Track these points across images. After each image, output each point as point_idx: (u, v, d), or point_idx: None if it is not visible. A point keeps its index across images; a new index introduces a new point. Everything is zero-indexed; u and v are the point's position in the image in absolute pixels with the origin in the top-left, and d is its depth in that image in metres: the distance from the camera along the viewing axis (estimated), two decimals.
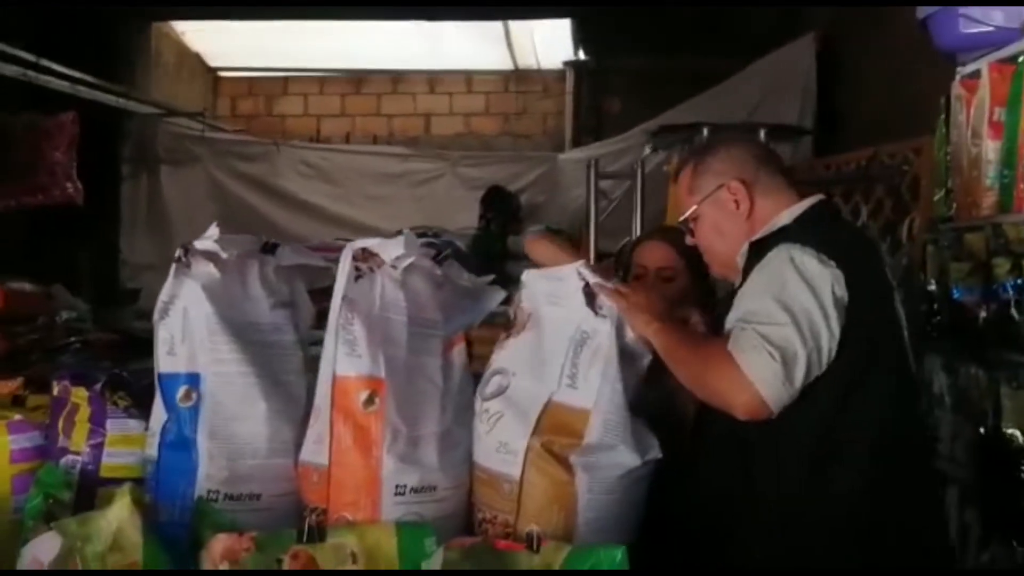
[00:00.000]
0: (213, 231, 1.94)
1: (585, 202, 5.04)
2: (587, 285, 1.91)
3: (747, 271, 1.87)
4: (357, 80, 7.46)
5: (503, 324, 2.09)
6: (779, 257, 1.77)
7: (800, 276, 1.73)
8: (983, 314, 2.77)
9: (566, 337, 1.92)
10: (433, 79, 7.39)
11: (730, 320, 1.81)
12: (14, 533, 1.78)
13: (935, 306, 3.00)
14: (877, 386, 1.80)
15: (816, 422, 1.77)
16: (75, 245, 5.94)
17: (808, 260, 1.75)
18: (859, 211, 3.81)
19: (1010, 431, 2.64)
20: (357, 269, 1.92)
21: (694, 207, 1.97)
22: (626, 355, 1.89)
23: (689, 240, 2.04)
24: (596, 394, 1.84)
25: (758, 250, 1.86)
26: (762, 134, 4.12)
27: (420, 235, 5.24)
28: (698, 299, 2.35)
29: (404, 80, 7.42)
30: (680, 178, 2.04)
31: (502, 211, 5.95)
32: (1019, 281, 2.66)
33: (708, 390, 1.78)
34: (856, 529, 1.77)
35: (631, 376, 1.89)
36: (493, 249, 5.81)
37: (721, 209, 1.94)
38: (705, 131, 4.16)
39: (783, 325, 1.70)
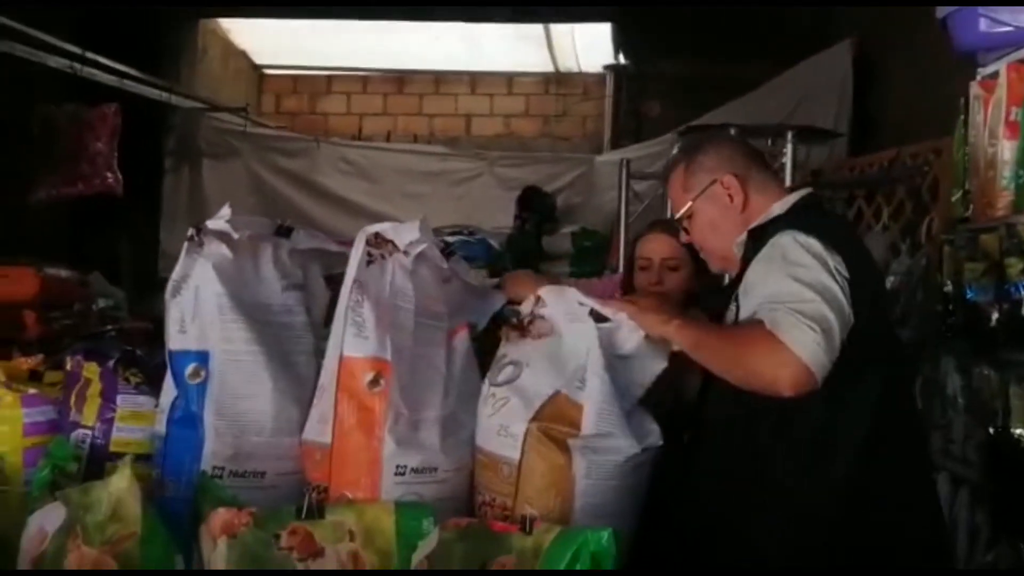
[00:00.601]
0: (225, 211, 1.96)
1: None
2: (592, 310, 1.93)
3: (746, 259, 1.89)
4: (399, 80, 7.51)
5: (514, 325, 2.09)
6: (784, 240, 1.79)
7: (811, 255, 1.76)
8: (995, 314, 2.74)
9: (583, 347, 1.92)
10: (474, 80, 7.42)
11: (750, 306, 1.81)
12: (26, 504, 1.81)
13: (950, 306, 2.97)
14: (874, 368, 1.81)
15: (816, 409, 1.77)
16: (115, 235, 6.05)
17: (813, 242, 1.77)
18: (881, 212, 3.77)
19: (1019, 432, 2.60)
20: (369, 254, 1.95)
21: (689, 204, 1.99)
22: (628, 359, 1.90)
23: (684, 238, 2.07)
24: (588, 387, 1.85)
25: (757, 238, 1.89)
26: (789, 136, 4.09)
27: (455, 234, 5.32)
28: (700, 290, 2.36)
29: (446, 81, 7.46)
30: (672, 178, 2.05)
31: (538, 211, 5.95)
32: None
33: (749, 370, 1.75)
34: (851, 516, 1.77)
35: (637, 379, 1.89)
36: (528, 249, 5.82)
37: (716, 204, 1.97)
38: (733, 131, 4.12)
39: (812, 301, 1.71)
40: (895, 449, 1.83)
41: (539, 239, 5.85)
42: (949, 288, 3.02)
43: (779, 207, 1.92)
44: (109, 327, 4.67)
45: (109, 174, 5.09)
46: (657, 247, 2.40)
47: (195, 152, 6.48)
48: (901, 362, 1.96)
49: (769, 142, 4.41)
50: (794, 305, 1.71)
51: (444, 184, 6.39)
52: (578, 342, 1.92)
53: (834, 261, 1.76)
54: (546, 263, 5.83)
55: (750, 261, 1.85)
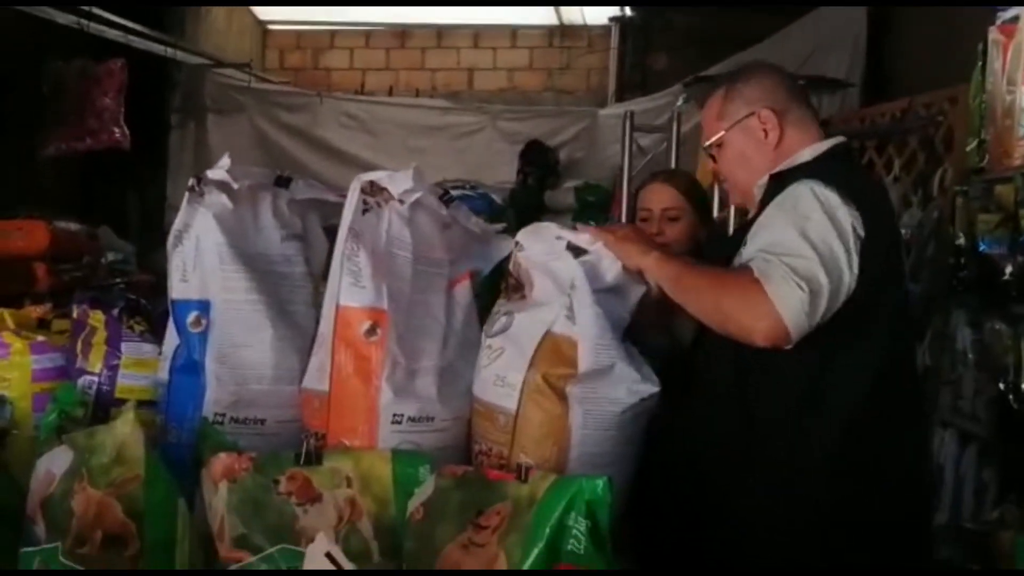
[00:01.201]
0: (225, 161, 1.99)
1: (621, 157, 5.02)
2: (568, 244, 1.92)
3: (763, 203, 1.85)
4: (402, 34, 7.46)
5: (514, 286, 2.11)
6: (801, 190, 1.75)
7: (823, 211, 1.72)
8: (1009, 267, 2.72)
9: (567, 281, 1.93)
10: (477, 33, 7.36)
11: (748, 251, 1.79)
12: (35, 447, 1.86)
13: (962, 260, 2.95)
14: (876, 332, 1.78)
15: (814, 363, 1.77)
16: (124, 190, 6.09)
17: (830, 195, 1.73)
18: (892, 164, 3.74)
19: None
20: (365, 202, 1.95)
21: (722, 132, 1.94)
22: (613, 289, 1.90)
23: (711, 166, 2.03)
24: (580, 321, 1.86)
25: (778, 183, 1.85)
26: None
27: (456, 188, 5.32)
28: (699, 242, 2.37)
29: (448, 34, 7.41)
30: (709, 103, 1.99)
31: (541, 166, 5.95)
32: None
33: (724, 315, 1.75)
34: (838, 479, 1.77)
35: (621, 309, 1.90)
36: (531, 204, 5.82)
37: (749, 137, 1.91)
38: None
39: (808, 259, 1.69)
40: (890, 415, 1.82)
41: (542, 193, 5.86)
42: (962, 241, 2.99)
43: (809, 152, 1.87)
44: (118, 280, 4.72)
45: (116, 129, 5.12)
46: (657, 197, 2.41)
47: (200, 108, 6.49)
48: (907, 327, 1.91)
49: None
50: (789, 259, 1.69)
51: (446, 138, 6.38)
52: (562, 277, 1.92)
53: (850, 217, 1.72)
54: (549, 217, 5.82)
55: (767, 201, 1.83)
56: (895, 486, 1.76)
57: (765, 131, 1.89)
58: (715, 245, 2.15)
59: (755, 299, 1.68)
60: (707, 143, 1.99)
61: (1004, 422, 2.72)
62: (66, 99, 5.15)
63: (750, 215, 1.96)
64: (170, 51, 5.88)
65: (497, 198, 5.50)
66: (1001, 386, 2.71)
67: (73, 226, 4.54)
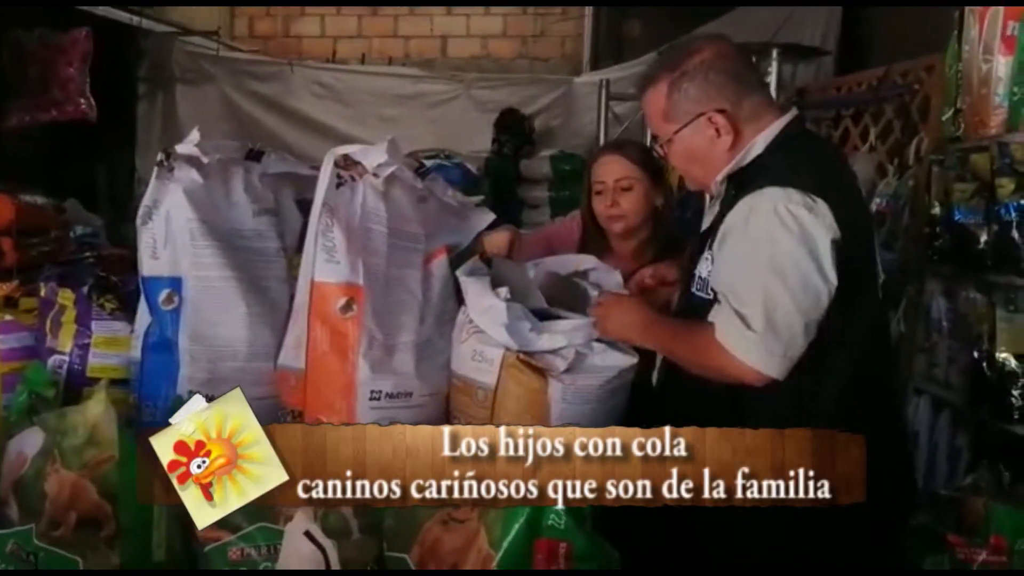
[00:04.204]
0: (195, 135, 1.94)
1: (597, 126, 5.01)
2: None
3: (724, 205, 1.80)
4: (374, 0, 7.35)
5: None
6: (765, 210, 1.68)
7: (791, 234, 1.66)
8: (984, 236, 2.73)
9: None
10: None
11: (719, 280, 1.75)
12: (5, 428, 1.83)
13: (937, 229, 2.96)
14: (856, 318, 1.76)
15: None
16: (91, 162, 5.97)
17: (797, 209, 1.66)
18: (868, 133, 3.74)
19: (1003, 355, 2.62)
20: (339, 176, 1.93)
21: (670, 134, 1.83)
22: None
23: (660, 153, 1.93)
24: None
25: (736, 183, 1.79)
26: (775, 55, 4.03)
27: (431, 158, 5.27)
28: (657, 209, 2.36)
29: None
30: (650, 96, 1.84)
31: (516, 135, 5.89)
32: (1021, 202, 2.61)
33: (712, 375, 1.75)
34: None
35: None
36: (506, 173, 5.78)
37: (700, 136, 1.80)
38: None
39: (779, 300, 1.66)
40: (872, 393, 1.81)
41: (517, 163, 5.81)
42: (937, 210, 2.99)
43: (762, 140, 1.79)
44: (87, 254, 4.64)
45: (82, 100, 5.01)
46: (608, 169, 2.38)
47: (168, 77, 6.37)
48: (883, 306, 1.91)
49: (753, 60, 4.35)
50: (761, 312, 1.66)
51: (420, 107, 6.31)
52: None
53: (820, 221, 1.67)
54: (524, 187, 5.80)
55: (729, 204, 1.77)
56: (879, 473, 1.75)
57: (718, 131, 1.79)
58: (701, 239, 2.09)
59: (726, 362, 1.69)
60: (655, 143, 1.91)
61: (977, 390, 2.75)
62: (28, 69, 5.03)
63: (707, 218, 1.90)
64: (136, 19, 5.76)
65: (472, 168, 5.46)
66: (975, 354, 2.73)
67: (39, 199, 4.43)
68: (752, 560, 1.82)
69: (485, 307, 1.89)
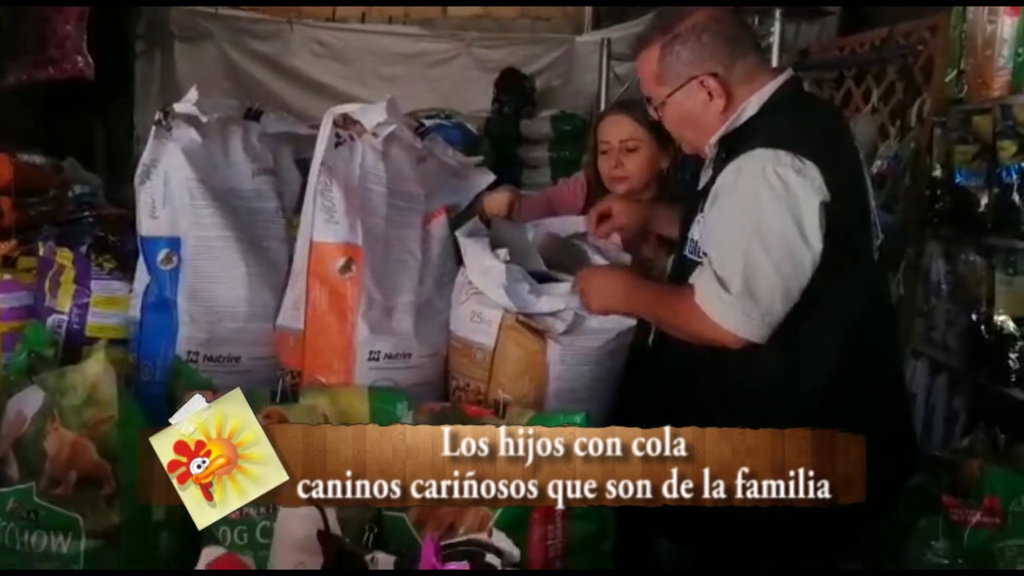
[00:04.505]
0: (193, 94, 1.93)
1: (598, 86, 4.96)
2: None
3: (717, 166, 1.79)
4: None
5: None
6: (753, 170, 1.67)
7: (776, 197, 1.65)
8: (984, 199, 2.72)
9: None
10: None
11: (706, 242, 1.75)
12: (5, 388, 1.83)
13: (938, 191, 2.95)
14: (848, 281, 1.75)
15: (786, 321, 1.71)
16: (89, 121, 5.94)
17: (784, 172, 1.65)
18: (871, 94, 3.71)
19: (1001, 318, 2.62)
20: (337, 136, 1.92)
21: (663, 97, 1.81)
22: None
23: (655, 117, 1.91)
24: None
25: (729, 145, 1.77)
26: (777, 15, 3.98)
27: (431, 117, 5.23)
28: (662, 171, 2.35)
29: None
30: (643, 58, 1.82)
31: (517, 94, 5.83)
32: (1023, 165, 2.60)
33: (693, 338, 1.75)
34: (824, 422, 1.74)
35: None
36: (507, 133, 5.73)
37: (693, 99, 1.78)
38: None
39: (761, 265, 1.65)
40: (868, 353, 1.79)
41: (517, 123, 5.76)
42: (938, 172, 2.97)
43: (755, 102, 1.77)
44: (86, 213, 4.62)
45: (79, 58, 4.95)
46: (614, 129, 2.36)
47: (166, 35, 6.30)
48: (879, 268, 1.88)
49: (756, 20, 4.30)
50: (735, 271, 1.66)
51: (420, 66, 6.25)
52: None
53: (810, 187, 1.65)
54: (525, 147, 5.77)
55: (721, 167, 1.75)
56: (878, 444, 1.74)
57: (710, 94, 1.78)
58: (685, 186, 2.08)
59: (705, 326, 1.69)
60: (648, 105, 1.89)
61: (975, 353, 2.75)
62: (25, 27, 4.98)
63: (701, 181, 1.89)
64: None
65: (472, 128, 5.41)
66: (974, 317, 2.73)
67: (37, 159, 4.41)
68: (745, 525, 1.82)
69: (484, 268, 1.89)
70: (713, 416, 1.76)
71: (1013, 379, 2.59)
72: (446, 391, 1.95)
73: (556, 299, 1.86)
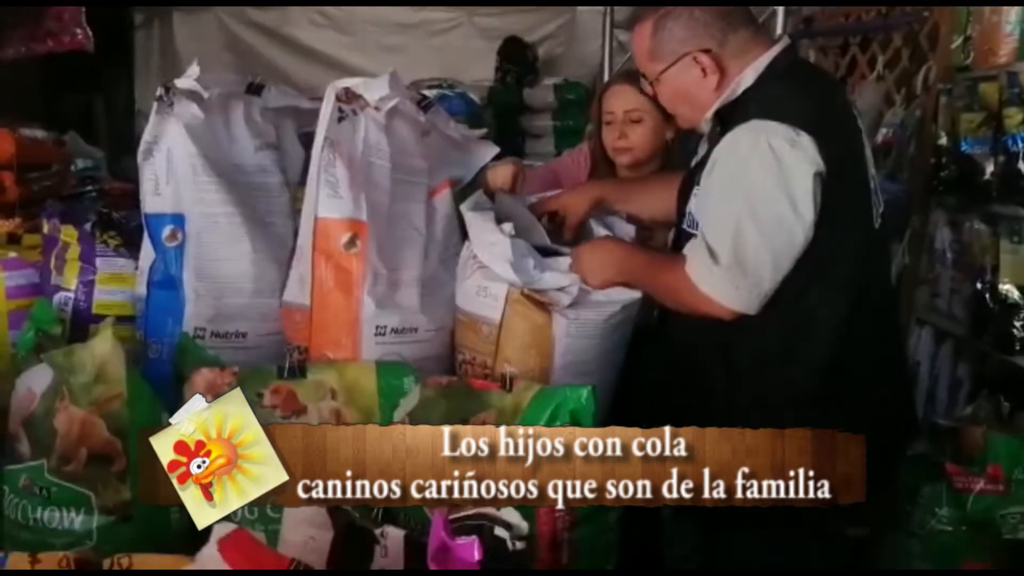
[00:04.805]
0: (194, 70, 1.92)
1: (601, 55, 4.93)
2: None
3: (713, 139, 1.79)
4: None
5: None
6: (747, 141, 1.67)
7: (768, 168, 1.65)
8: (990, 167, 2.71)
9: None
10: None
11: (700, 213, 1.76)
12: (13, 365, 1.84)
13: (943, 159, 2.93)
14: (848, 251, 1.75)
15: (785, 293, 1.72)
16: (89, 94, 5.92)
17: (778, 143, 1.64)
18: (875, 61, 3.68)
19: (1006, 287, 2.63)
20: (340, 110, 1.91)
21: (656, 74, 1.81)
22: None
23: (649, 92, 1.92)
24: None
25: (724, 118, 1.77)
26: None
27: (434, 87, 5.20)
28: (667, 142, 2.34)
29: None
30: (637, 34, 1.83)
31: (519, 63, 5.81)
32: None
33: (685, 309, 1.77)
34: (821, 399, 1.73)
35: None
36: (510, 102, 5.72)
37: (687, 75, 1.78)
38: None
39: (748, 237, 1.66)
40: (868, 329, 1.79)
41: (520, 92, 5.74)
42: (943, 140, 2.95)
43: (751, 73, 1.76)
44: (89, 188, 4.62)
45: (78, 30, 4.91)
46: (619, 100, 2.35)
47: (165, 6, 6.27)
48: (880, 237, 1.87)
49: None
50: (729, 246, 1.66)
51: (422, 35, 6.21)
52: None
53: (804, 158, 1.65)
54: (528, 116, 5.74)
55: (717, 140, 1.75)
56: (879, 414, 1.74)
57: (704, 71, 1.77)
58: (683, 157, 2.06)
59: (698, 299, 1.71)
60: (642, 80, 1.91)
61: (979, 321, 2.75)
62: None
63: (700, 153, 1.89)
64: None
65: (475, 97, 5.40)
66: (978, 285, 2.73)
67: (39, 133, 4.40)
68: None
69: (490, 243, 1.89)
70: (717, 387, 1.81)
71: (1017, 347, 2.59)
72: (453, 365, 1.96)
73: (561, 274, 1.86)
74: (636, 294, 1.89)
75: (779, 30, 3.94)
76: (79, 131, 5.06)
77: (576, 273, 1.87)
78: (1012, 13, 2.65)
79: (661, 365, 1.92)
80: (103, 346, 1.67)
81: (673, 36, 1.77)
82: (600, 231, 2.04)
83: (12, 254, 2.09)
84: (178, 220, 1.91)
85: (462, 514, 1.41)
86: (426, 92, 5.03)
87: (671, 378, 1.90)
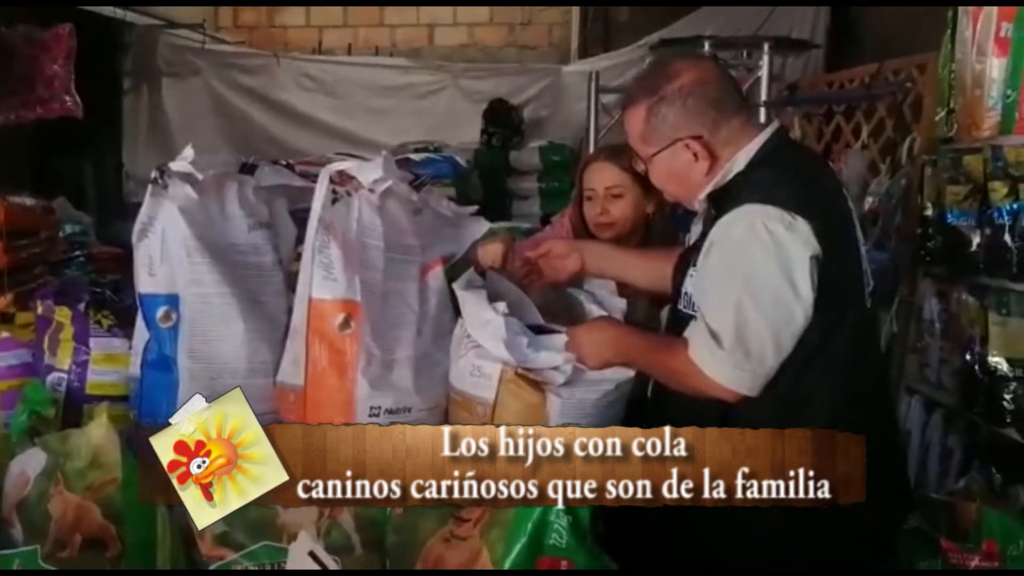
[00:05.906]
0: (188, 152, 1.94)
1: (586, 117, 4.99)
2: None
3: (707, 221, 1.81)
4: None
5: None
6: (743, 225, 1.70)
7: (766, 251, 1.68)
8: (976, 239, 2.74)
9: None
10: None
11: (698, 296, 1.78)
12: (4, 448, 1.83)
13: (930, 230, 2.97)
14: (842, 331, 1.77)
15: (783, 373, 1.74)
16: (78, 159, 5.94)
17: (774, 226, 1.67)
18: (860, 130, 3.75)
19: (995, 359, 2.64)
20: (334, 192, 1.93)
21: (648, 156, 1.85)
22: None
23: (641, 169, 1.95)
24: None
25: (717, 201, 1.80)
26: (766, 48, 4.04)
27: (420, 150, 5.25)
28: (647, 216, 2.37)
29: None
30: (630, 116, 1.86)
31: (505, 126, 5.88)
32: (1014, 206, 2.62)
33: (688, 391, 1.78)
34: None
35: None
36: (495, 165, 5.78)
37: (679, 159, 1.82)
38: (707, 45, 4.08)
39: (750, 319, 1.68)
40: (863, 402, 1.81)
41: (506, 154, 5.80)
42: (929, 211, 3.00)
43: (743, 158, 1.80)
44: (78, 253, 4.62)
45: (68, 97, 4.94)
46: (599, 176, 2.39)
47: (154, 71, 6.33)
48: (872, 315, 1.91)
49: (744, 54, 4.36)
50: (732, 330, 1.68)
51: (408, 98, 6.29)
52: None
53: (800, 242, 1.68)
54: (514, 178, 5.80)
55: (711, 222, 1.78)
56: (875, 489, 1.74)
57: (695, 156, 1.80)
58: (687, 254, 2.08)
59: (700, 382, 1.72)
60: (636, 162, 1.94)
61: (969, 392, 2.76)
62: (12, 67, 4.98)
63: (692, 235, 1.92)
64: (120, 12, 5.71)
65: (461, 160, 5.45)
66: (967, 356, 2.74)
67: (28, 200, 4.40)
68: (746, 563, 1.84)
69: (483, 321, 1.90)
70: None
71: (1008, 419, 2.60)
72: None
73: (555, 353, 1.87)
74: (629, 372, 1.90)
75: (763, 96, 4.02)
76: (67, 195, 5.07)
77: (574, 354, 1.88)
78: (993, 88, 2.69)
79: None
80: (98, 431, 1.67)
81: (666, 122, 1.81)
82: (594, 310, 2.05)
83: (5, 334, 2.09)
84: (172, 301, 1.92)
85: None
86: (412, 155, 5.11)
87: None
